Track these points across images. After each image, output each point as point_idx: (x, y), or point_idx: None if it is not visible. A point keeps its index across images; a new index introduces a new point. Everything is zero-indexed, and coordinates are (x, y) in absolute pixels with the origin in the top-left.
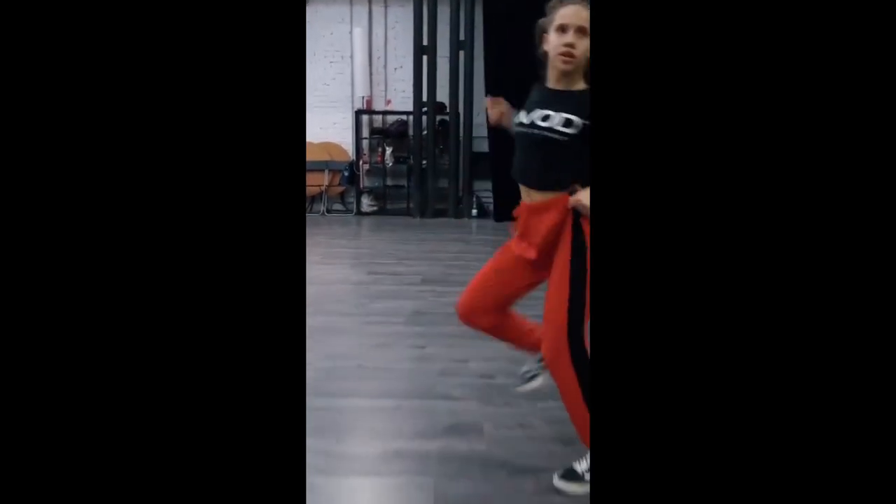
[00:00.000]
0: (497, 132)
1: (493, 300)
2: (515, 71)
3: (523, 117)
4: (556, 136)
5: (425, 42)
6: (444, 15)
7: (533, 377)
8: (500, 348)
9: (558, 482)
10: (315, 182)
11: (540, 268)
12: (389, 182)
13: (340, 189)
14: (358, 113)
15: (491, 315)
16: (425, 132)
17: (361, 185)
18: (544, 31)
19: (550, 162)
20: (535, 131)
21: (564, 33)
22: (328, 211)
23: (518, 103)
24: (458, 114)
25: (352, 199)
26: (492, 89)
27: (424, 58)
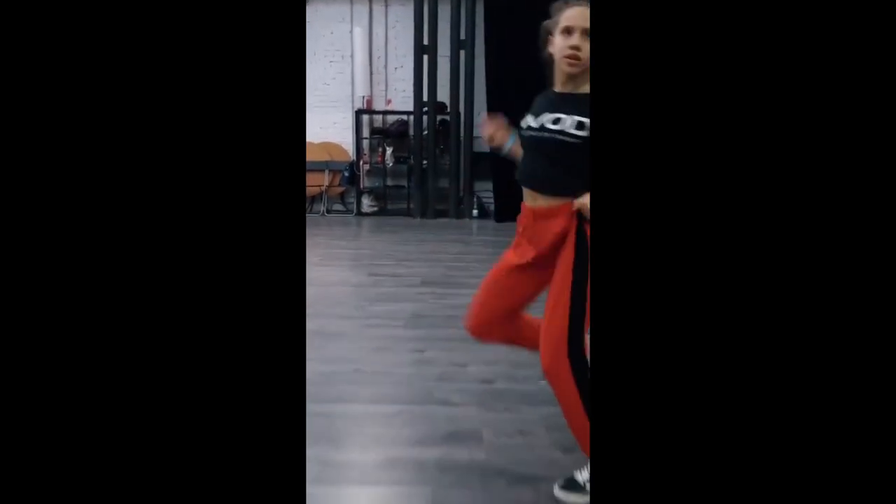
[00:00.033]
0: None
1: (501, 313)
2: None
3: (531, 121)
4: (569, 139)
5: (426, 41)
6: (444, 14)
7: None
8: (500, 352)
9: (559, 492)
10: (315, 182)
11: (542, 268)
12: (390, 182)
13: (340, 189)
14: (358, 113)
15: (503, 327)
16: (426, 132)
17: (362, 186)
18: (549, 33)
19: (563, 165)
20: (546, 134)
21: (570, 35)
22: (328, 211)
23: (518, 103)
24: (458, 113)
25: (352, 200)
26: (493, 89)
27: (425, 57)
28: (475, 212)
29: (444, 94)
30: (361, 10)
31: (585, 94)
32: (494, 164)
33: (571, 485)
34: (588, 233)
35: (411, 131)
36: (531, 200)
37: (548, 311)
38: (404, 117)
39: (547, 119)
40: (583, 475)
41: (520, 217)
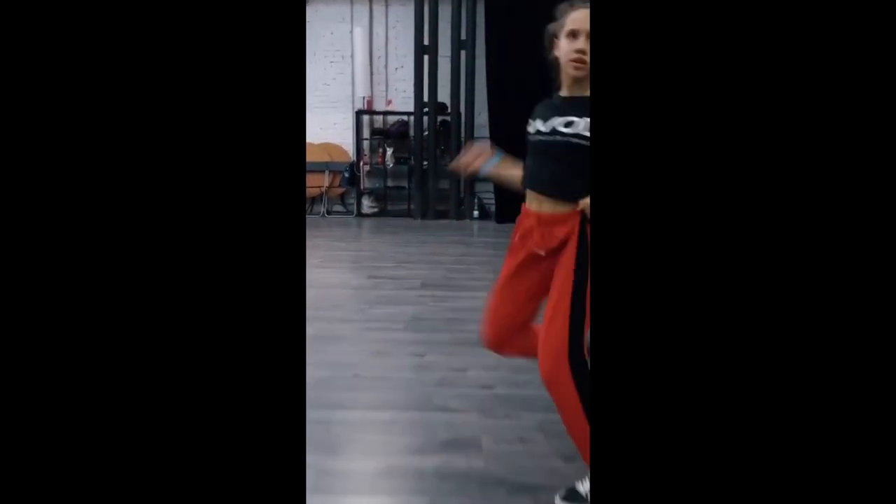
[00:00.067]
0: (498, 131)
1: (512, 323)
2: (517, 71)
3: (540, 126)
4: (583, 141)
5: (426, 41)
6: (445, 14)
7: None
8: (500, 357)
9: (560, 503)
10: (315, 183)
11: (542, 270)
12: (390, 183)
13: (341, 190)
14: (358, 113)
15: (518, 339)
16: (426, 133)
17: (362, 187)
18: (555, 36)
19: (574, 168)
20: (559, 138)
21: (576, 39)
22: (328, 212)
23: (519, 104)
24: (459, 114)
25: (352, 201)
26: (493, 89)
27: (426, 57)
28: (476, 213)
29: (444, 95)
30: (362, 11)
31: (584, 98)
32: None
33: (573, 496)
34: (589, 236)
35: (412, 132)
36: (536, 204)
37: (547, 316)
38: (405, 118)
39: (558, 122)
40: (584, 486)
41: (519, 219)
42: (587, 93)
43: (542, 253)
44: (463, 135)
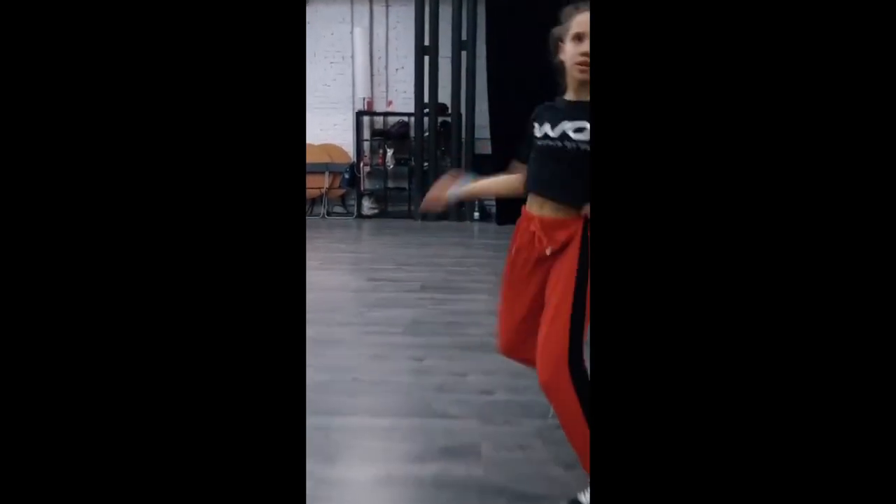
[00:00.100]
0: (498, 132)
1: (522, 328)
2: (518, 71)
3: (549, 130)
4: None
5: (427, 42)
6: (445, 14)
7: None
8: (500, 361)
9: None
10: (315, 184)
11: (540, 272)
12: (391, 184)
13: (341, 192)
14: (359, 114)
15: (530, 345)
16: (427, 134)
17: (362, 188)
18: (560, 39)
19: (584, 174)
20: (569, 144)
21: (581, 42)
22: (328, 214)
23: (520, 104)
24: (460, 115)
25: (352, 202)
26: (494, 90)
27: (426, 58)
28: (476, 214)
29: (445, 96)
30: (362, 11)
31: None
32: (496, 166)
33: None
34: (589, 242)
35: (412, 133)
36: (537, 208)
37: (545, 322)
38: (405, 119)
39: (568, 127)
40: (586, 497)
41: (519, 222)
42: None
43: (548, 252)
44: (464, 135)
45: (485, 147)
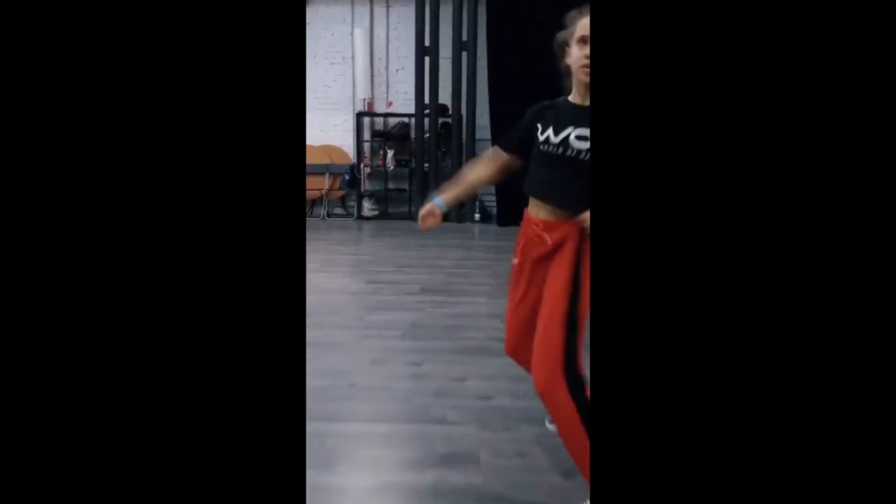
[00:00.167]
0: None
1: (522, 329)
2: (519, 72)
3: (552, 136)
4: None
5: (427, 43)
6: (446, 15)
7: None
8: (500, 365)
9: None
10: (315, 186)
11: (536, 274)
12: (391, 186)
13: (341, 193)
14: (359, 115)
15: (529, 347)
16: (427, 135)
17: (362, 189)
18: (566, 43)
19: (585, 181)
20: (570, 152)
21: (586, 45)
22: (328, 215)
23: (520, 105)
24: (460, 116)
25: (353, 203)
26: (494, 91)
27: (427, 59)
28: (477, 216)
29: (445, 97)
30: (362, 12)
31: None
32: None
33: None
34: (586, 249)
35: (413, 134)
36: (535, 210)
37: (540, 327)
38: (406, 120)
39: (571, 134)
40: None
41: (522, 226)
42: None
43: (549, 241)
44: (464, 136)
45: (485, 148)
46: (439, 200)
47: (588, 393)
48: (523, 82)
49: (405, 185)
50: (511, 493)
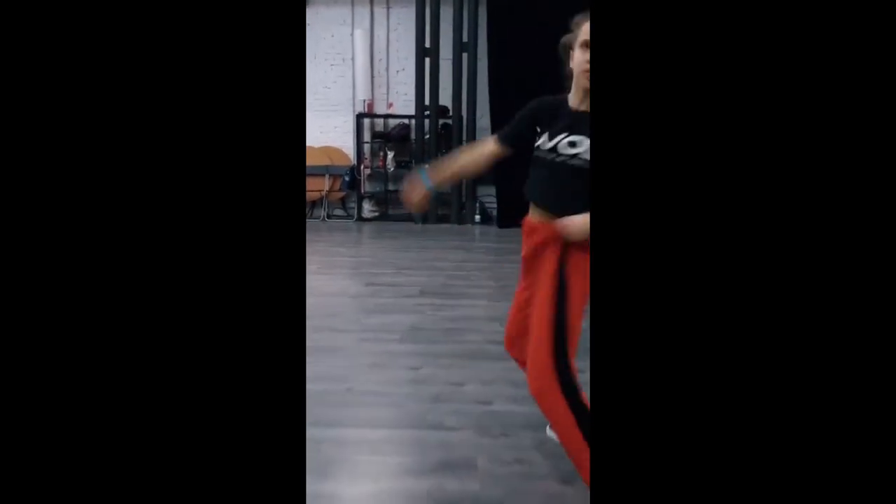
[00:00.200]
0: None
1: (518, 326)
2: (519, 73)
3: (546, 141)
4: (584, 164)
5: (428, 44)
6: (446, 16)
7: None
8: (499, 370)
9: None
10: (315, 187)
11: (531, 275)
12: (391, 187)
13: (341, 194)
14: (359, 116)
15: (522, 342)
16: (428, 136)
17: (363, 191)
18: (570, 47)
19: (573, 189)
20: (558, 158)
21: (588, 50)
22: (328, 217)
23: (521, 106)
24: (461, 117)
25: (353, 205)
26: (495, 92)
27: (427, 60)
28: (477, 217)
29: (446, 98)
30: (363, 13)
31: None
32: (497, 169)
33: None
34: (571, 252)
35: (413, 135)
36: (531, 212)
37: (531, 333)
38: (406, 121)
39: (562, 141)
40: None
41: (528, 227)
42: None
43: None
44: (465, 138)
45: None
46: (427, 180)
47: (583, 397)
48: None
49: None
50: (509, 501)
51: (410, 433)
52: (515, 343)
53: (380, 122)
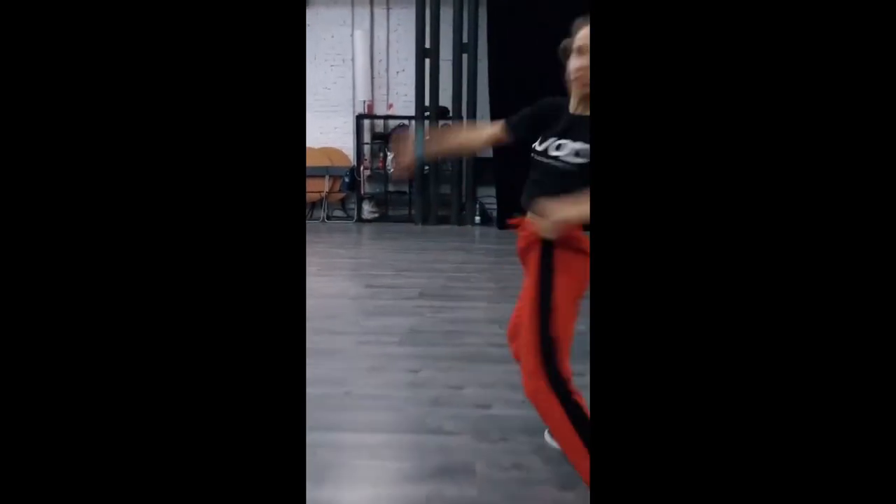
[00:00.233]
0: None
1: (518, 320)
2: (519, 74)
3: (538, 145)
4: (567, 166)
5: (428, 45)
6: (446, 17)
7: None
8: (498, 373)
9: None
10: (315, 188)
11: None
12: (391, 188)
13: (341, 195)
14: (359, 117)
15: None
16: None
17: (362, 192)
18: (568, 51)
19: (557, 190)
20: (545, 160)
21: (581, 56)
22: (328, 218)
23: (521, 107)
24: (461, 118)
25: (353, 206)
26: (495, 93)
27: (427, 61)
28: (477, 218)
29: (446, 99)
30: (363, 14)
31: (588, 117)
32: (497, 169)
33: None
34: (557, 253)
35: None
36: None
37: (521, 332)
38: (406, 122)
39: (551, 144)
40: None
41: (523, 230)
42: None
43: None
44: None
45: (486, 151)
46: (420, 148)
47: (580, 400)
48: (524, 84)
49: (405, 188)
50: None
51: (409, 438)
52: (514, 339)
53: (380, 123)
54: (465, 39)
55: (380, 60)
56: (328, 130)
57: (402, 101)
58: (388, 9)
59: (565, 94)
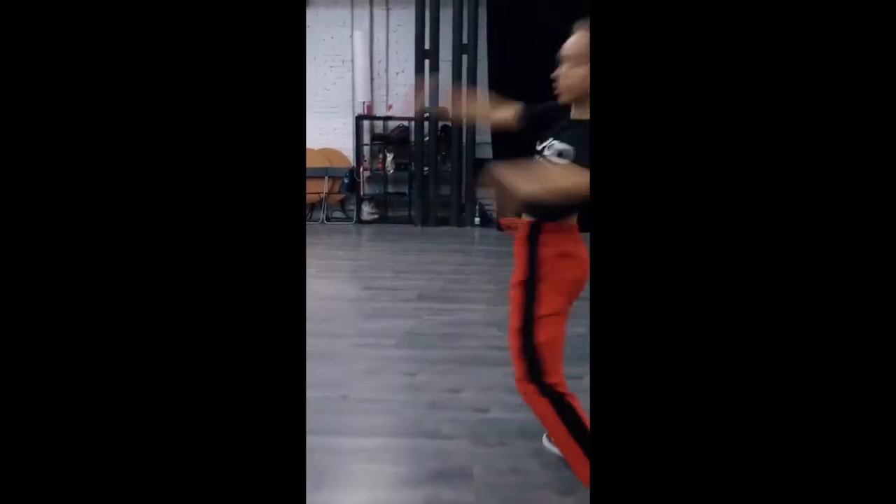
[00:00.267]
0: (499, 136)
1: None
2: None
3: (538, 145)
4: (546, 163)
5: (427, 46)
6: (446, 18)
7: None
8: (496, 376)
9: None
10: (314, 189)
11: None
12: (391, 189)
13: (340, 196)
14: (359, 118)
15: None
16: (427, 138)
17: (362, 193)
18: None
19: None
20: (539, 159)
21: (561, 63)
22: (328, 219)
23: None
24: (460, 118)
25: (352, 207)
26: (495, 93)
27: (426, 62)
28: (477, 219)
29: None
30: (362, 14)
31: (581, 121)
32: None
33: None
34: (540, 250)
35: (412, 137)
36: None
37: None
38: (405, 123)
39: (547, 145)
40: None
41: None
42: (582, 116)
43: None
44: (464, 140)
45: (485, 152)
46: (433, 105)
47: (575, 405)
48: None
49: (405, 189)
50: None
51: (406, 442)
52: None
53: (379, 123)
54: (464, 40)
55: (379, 61)
56: (327, 131)
57: (401, 101)
58: (387, 10)
59: (556, 97)
